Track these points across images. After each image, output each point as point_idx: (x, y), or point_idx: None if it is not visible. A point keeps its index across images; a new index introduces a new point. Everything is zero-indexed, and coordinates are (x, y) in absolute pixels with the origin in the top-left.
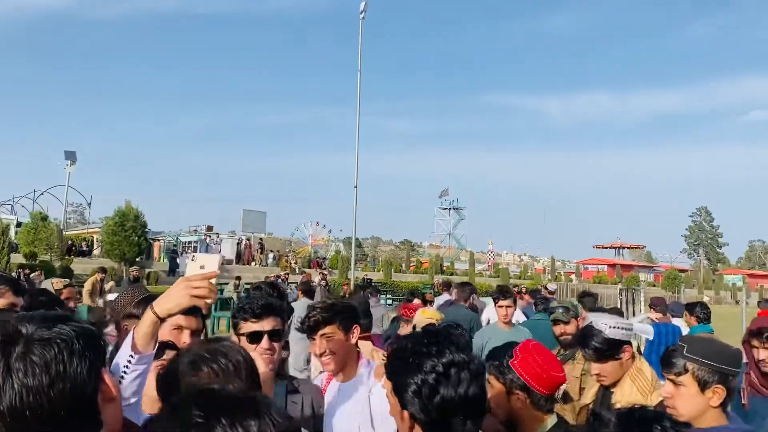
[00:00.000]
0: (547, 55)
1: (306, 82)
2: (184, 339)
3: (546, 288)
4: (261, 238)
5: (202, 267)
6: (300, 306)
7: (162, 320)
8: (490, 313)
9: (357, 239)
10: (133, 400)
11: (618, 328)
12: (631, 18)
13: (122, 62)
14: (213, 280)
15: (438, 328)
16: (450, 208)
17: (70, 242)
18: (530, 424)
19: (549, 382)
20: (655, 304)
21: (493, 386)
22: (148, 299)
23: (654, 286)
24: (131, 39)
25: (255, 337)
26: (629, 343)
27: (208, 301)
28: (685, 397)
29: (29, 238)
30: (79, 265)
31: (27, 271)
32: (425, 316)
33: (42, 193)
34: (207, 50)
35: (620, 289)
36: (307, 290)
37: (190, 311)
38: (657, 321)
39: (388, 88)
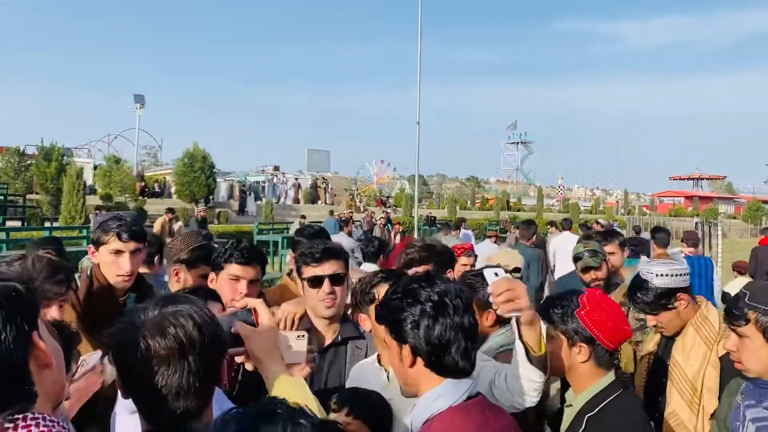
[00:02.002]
0: None
1: (368, 14)
2: (241, 289)
3: (598, 222)
4: (324, 177)
5: (289, 347)
6: (338, 239)
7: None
8: (556, 244)
9: (422, 176)
10: None
11: (667, 275)
12: None
13: (186, 3)
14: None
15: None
16: (518, 143)
17: (143, 184)
18: (587, 379)
19: (616, 336)
20: (687, 238)
21: (553, 336)
22: (202, 248)
23: (734, 218)
24: None
25: (316, 282)
26: (686, 289)
27: None
28: (751, 350)
29: (104, 180)
30: (152, 206)
31: (104, 212)
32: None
33: (116, 137)
34: None
35: (696, 222)
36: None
37: (249, 260)
38: (690, 254)
39: (453, 17)
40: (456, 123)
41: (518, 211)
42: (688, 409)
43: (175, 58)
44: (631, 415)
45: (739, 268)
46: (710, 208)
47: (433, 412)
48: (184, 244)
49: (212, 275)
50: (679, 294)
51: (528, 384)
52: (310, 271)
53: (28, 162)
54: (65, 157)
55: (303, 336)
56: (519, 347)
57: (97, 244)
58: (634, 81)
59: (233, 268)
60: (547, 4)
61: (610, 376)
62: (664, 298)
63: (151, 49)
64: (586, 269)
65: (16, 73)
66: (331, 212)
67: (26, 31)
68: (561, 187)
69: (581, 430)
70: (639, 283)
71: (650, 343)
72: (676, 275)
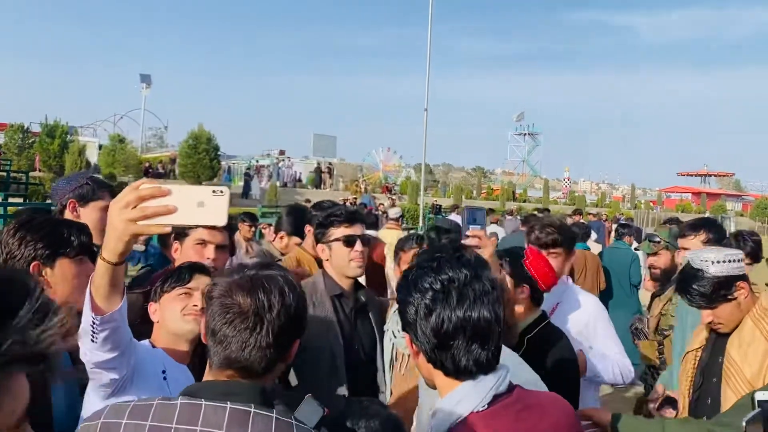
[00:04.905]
0: None
1: (379, 2)
2: (209, 254)
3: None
4: (330, 163)
5: (201, 204)
6: None
7: (119, 264)
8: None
9: (428, 165)
10: (116, 360)
11: (725, 262)
12: None
13: None
14: (163, 200)
15: (447, 245)
16: (525, 134)
17: (147, 164)
18: (524, 313)
19: (548, 281)
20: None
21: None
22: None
23: (742, 215)
24: None
25: (349, 241)
26: (743, 277)
27: (162, 221)
28: None
29: (109, 159)
30: None
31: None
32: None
33: (121, 117)
34: None
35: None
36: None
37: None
38: None
39: (463, 6)
40: (463, 113)
41: (524, 202)
42: None
43: (183, 41)
44: (563, 333)
45: None
46: (718, 205)
47: (453, 420)
48: None
49: (176, 245)
50: (738, 282)
51: None
52: (342, 231)
53: (32, 140)
54: (69, 135)
55: (221, 192)
56: None
57: (85, 200)
58: (644, 75)
59: (199, 233)
60: None
61: (539, 311)
62: (723, 288)
63: (159, 32)
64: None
65: (23, 50)
66: (366, 189)
67: (34, 7)
68: (567, 180)
69: (523, 348)
70: (693, 274)
71: (697, 339)
72: (732, 261)
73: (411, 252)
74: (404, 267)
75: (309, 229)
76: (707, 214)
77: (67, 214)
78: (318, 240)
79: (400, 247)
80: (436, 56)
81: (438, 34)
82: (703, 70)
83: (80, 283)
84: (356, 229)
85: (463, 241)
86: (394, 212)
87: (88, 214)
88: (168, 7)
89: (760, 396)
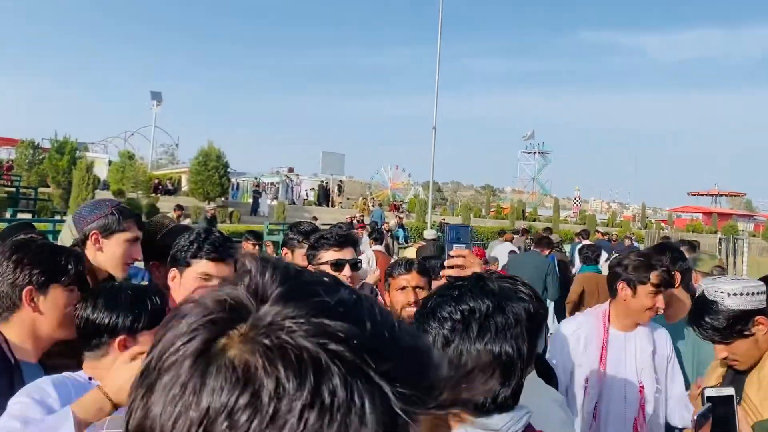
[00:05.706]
0: None
1: (388, 21)
2: None
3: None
4: (340, 180)
5: None
6: None
7: (117, 406)
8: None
9: (437, 183)
10: None
11: (741, 294)
12: None
13: (207, 4)
14: None
15: (474, 275)
16: (535, 152)
17: (156, 181)
18: None
19: None
20: None
21: None
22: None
23: (754, 236)
24: None
25: (338, 265)
26: (764, 312)
27: None
28: None
29: (118, 176)
30: (165, 203)
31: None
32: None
33: (132, 134)
34: None
35: (720, 239)
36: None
37: (222, 256)
38: None
39: (474, 25)
40: (472, 131)
41: (534, 221)
42: None
43: (194, 58)
44: (547, 362)
45: None
46: (729, 225)
47: None
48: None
49: (174, 272)
50: (757, 317)
51: None
52: (331, 255)
53: (42, 156)
54: (78, 151)
55: None
56: None
57: (108, 231)
58: (654, 94)
59: (203, 265)
60: (568, 15)
61: None
62: (740, 323)
63: (170, 50)
64: None
65: (36, 67)
66: (380, 204)
67: (47, 24)
68: (577, 199)
69: None
70: (706, 305)
71: (713, 375)
72: (751, 294)
73: (401, 278)
74: (394, 293)
75: (285, 252)
76: (719, 235)
77: (89, 246)
78: (309, 262)
79: (389, 273)
80: (445, 75)
81: (447, 53)
82: (715, 89)
83: (68, 313)
84: (346, 254)
85: (445, 262)
86: (429, 233)
87: (111, 247)
88: (179, 25)
89: (708, 392)
